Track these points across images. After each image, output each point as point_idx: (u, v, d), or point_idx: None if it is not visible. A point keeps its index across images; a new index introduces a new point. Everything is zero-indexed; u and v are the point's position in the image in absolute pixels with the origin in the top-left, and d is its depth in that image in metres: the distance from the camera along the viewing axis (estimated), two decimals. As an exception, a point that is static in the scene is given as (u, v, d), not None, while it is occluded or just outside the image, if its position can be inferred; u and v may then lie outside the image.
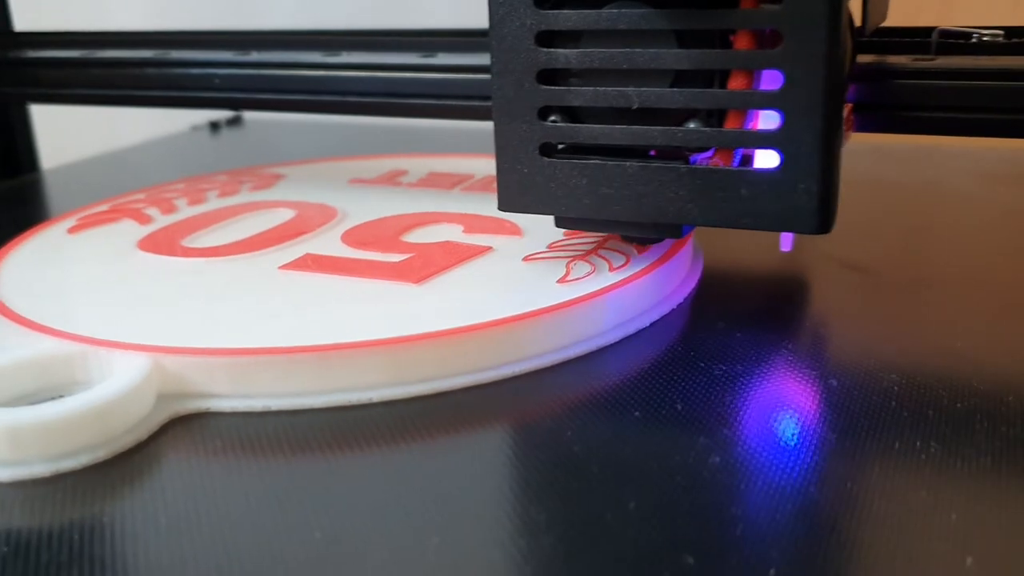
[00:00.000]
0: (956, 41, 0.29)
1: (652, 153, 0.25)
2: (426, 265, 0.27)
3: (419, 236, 0.30)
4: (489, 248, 0.28)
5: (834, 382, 0.22)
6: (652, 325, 0.25)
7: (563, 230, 0.29)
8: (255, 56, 0.37)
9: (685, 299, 0.27)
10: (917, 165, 0.43)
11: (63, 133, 0.57)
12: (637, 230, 0.26)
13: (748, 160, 0.24)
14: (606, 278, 0.25)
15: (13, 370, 0.22)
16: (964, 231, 0.34)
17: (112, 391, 0.20)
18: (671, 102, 0.24)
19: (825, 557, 0.16)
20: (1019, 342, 0.24)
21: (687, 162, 0.24)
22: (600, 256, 0.27)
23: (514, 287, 0.25)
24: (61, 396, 0.21)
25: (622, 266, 0.26)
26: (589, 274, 0.26)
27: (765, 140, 0.23)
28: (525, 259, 0.27)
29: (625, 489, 0.18)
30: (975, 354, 0.23)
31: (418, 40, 0.35)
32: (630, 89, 0.24)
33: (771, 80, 0.23)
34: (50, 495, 0.19)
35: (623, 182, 0.25)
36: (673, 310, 0.26)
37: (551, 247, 0.28)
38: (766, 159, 0.24)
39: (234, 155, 0.52)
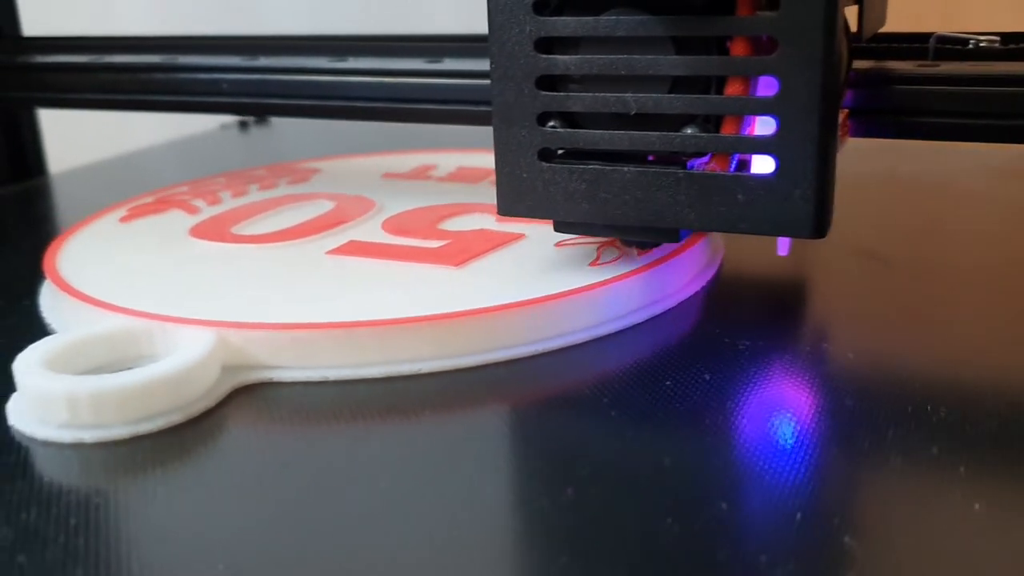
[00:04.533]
0: (953, 47, 0.30)
1: (650, 158, 0.25)
2: (464, 250, 0.29)
3: (455, 224, 0.32)
4: (522, 235, 0.30)
5: (851, 355, 0.23)
6: (679, 306, 0.27)
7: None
8: (263, 61, 0.38)
9: (709, 281, 0.28)
10: (930, 163, 0.44)
11: (72, 136, 0.58)
12: (635, 234, 0.26)
13: (745, 165, 0.25)
14: (635, 261, 0.27)
15: (88, 344, 0.24)
16: (977, 226, 0.35)
17: (183, 361, 0.22)
18: (668, 108, 0.24)
19: (844, 503, 0.18)
20: (1024, 322, 0.26)
21: (684, 167, 0.24)
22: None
23: (548, 269, 0.27)
24: (130, 368, 0.23)
25: (649, 251, 0.28)
26: (618, 258, 0.27)
27: (761, 146, 0.23)
28: (557, 245, 0.29)
29: (660, 448, 0.20)
30: (983, 336, 0.25)
31: (424, 45, 0.36)
32: (628, 95, 0.24)
33: (767, 86, 0.23)
34: (130, 455, 0.21)
35: (621, 187, 0.25)
36: (698, 291, 0.28)
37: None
38: (762, 164, 0.24)
39: (265, 152, 0.54)
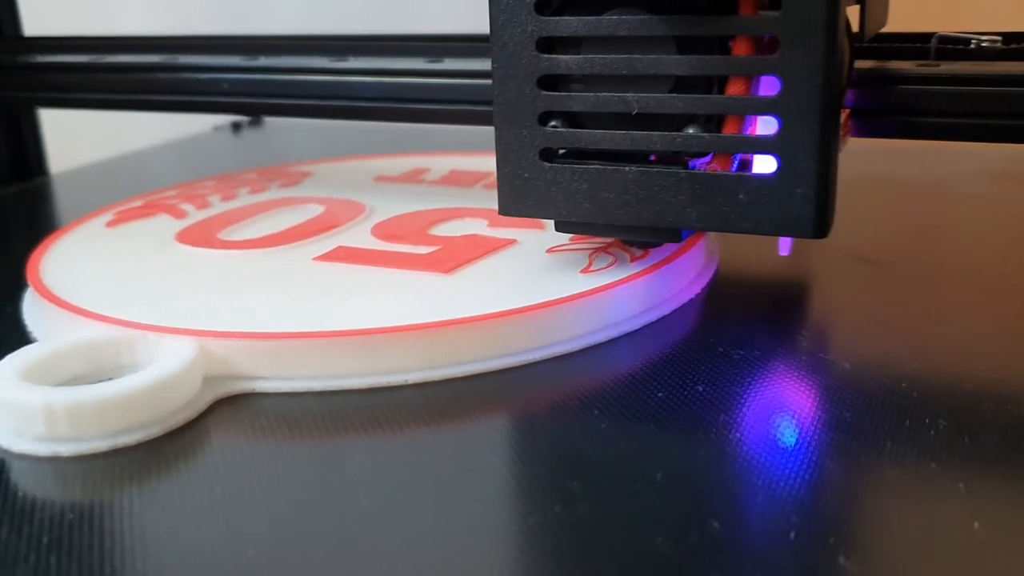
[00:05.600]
0: (955, 47, 0.30)
1: (652, 158, 0.25)
2: (454, 256, 0.28)
3: (445, 230, 0.31)
4: (514, 241, 0.30)
5: (848, 365, 0.23)
6: (672, 313, 0.26)
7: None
8: (263, 61, 0.38)
9: (704, 289, 0.28)
10: (927, 164, 0.44)
11: (74, 136, 0.58)
12: (637, 234, 0.26)
13: (747, 165, 0.25)
14: (627, 268, 0.27)
15: (67, 353, 0.23)
16: (972, 227, 0.35)
17: (163, 372, 0.22)
18: (670, 107, 0.24)
19: (840, 521, 0.17)
20: (1024, 329, 0.25)
21: (686, 167, 0.24)
22: (621, 248, 0.28)
23: (540, 277, 0.27)
24: (109, 379, 0.22)
25: (642, 257, 0.27)
26: (611, 265, 0.27)
27: (763, 146, 0.23)
28: (548, 251, 0.29)
29: (651, 461, 0.19)
30: (982, 342, 0.24)
31: (424, 45, 0.36)
32: (630, 95, 0.24)
33: (769, 86, 0.23)
34: (108, 468, 0.20)
35: (623, 187, 0.25)
36: (692, 299, 0.27)
37: (573, 240, 0.29)
38: (764, 164, 0.24)
39: (258, 154, 0.53)
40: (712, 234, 0.31)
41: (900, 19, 0.33)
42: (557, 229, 0.27)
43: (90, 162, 0.51)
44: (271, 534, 0.18)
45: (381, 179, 0.39)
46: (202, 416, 0.22)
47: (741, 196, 0.24)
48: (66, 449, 0.21)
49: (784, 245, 0.27)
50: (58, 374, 0.23)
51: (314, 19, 0.79)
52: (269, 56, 0.38)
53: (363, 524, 0.18)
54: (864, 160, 0.43)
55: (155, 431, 0.21)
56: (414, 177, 0.39)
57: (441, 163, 0.41)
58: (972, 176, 0.42)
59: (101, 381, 0.22)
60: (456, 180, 0.38)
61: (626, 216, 0.25)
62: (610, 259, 0.27)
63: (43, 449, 0.21)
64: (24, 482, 0.20)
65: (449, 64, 0.34)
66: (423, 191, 0.37)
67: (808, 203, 0.23)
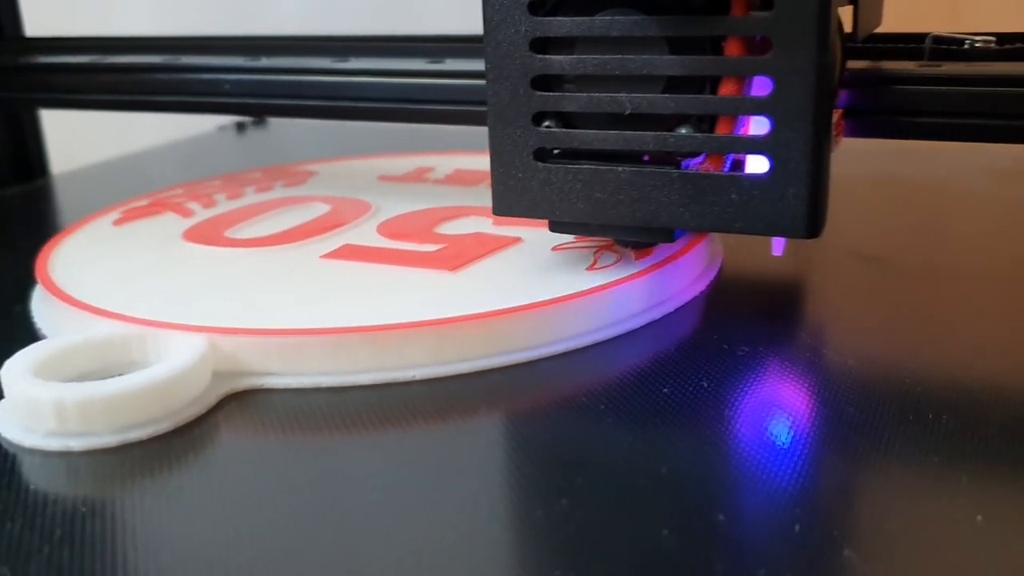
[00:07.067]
0: (949, 47, 0.30)
1: (646, 158, 0.25)
2: (460, 254, 0.28)
3: (451, 228, 0.31)
4: (519, 239, 0.30)
5: (851, 362, 0.23)
6: (676, 311, 0.27)
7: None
8: (264, 62, 0.38)
9: (708, 287, 0.28)
10: (929, 163, 0.44)
11: (75, 137, 0.58)
12: (630, 234, 0.26)
13: (739, 165, 0.25)
14: (632, 266, 0.27)
15: (77, 350, 0.23)
16: (976, 226, 0.35)
17: (173, 368, 0.22)
18: (662, 108, 0.24)
19: (844, 514, 0.17)
20: (1027, 326, 0.25)
21: (679, 167, 0.24)
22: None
23: (545, 274, 0.27)
24: (119, 375, 0.22)
25: (646, 255, 0.27)
26: (616, 262, 0.27)
27: (755, 146, 0.23)
28: (554, 249, 0.29)
29: (657, 456, 0.19)
30: (985, 338, 0.25)
31: (426, 46, 0.36)
32: (623, 95, 0.24)
33: (761, 86, 0.23)
34: (118, 464, 0.20)
35: (616, 187, 0.25)
36: (696, 297, 0.27)
37: (578, 238, 0.29)
38: (756, 164, 0.24)
39: (262, 154, 0.54)
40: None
41: (899, 19, 0.33)
42: (551, 229, 0.27)
43: (93, 163, 0.52)
44: (280, 528, 0.18)
45: (386, 178, 0.39)
46: (211, 411, 0.22)
47: (733, 196, 0.24)
48: (77, 444, 0.21)
49: (777, 245, 0.27)
50: (68, 370, 0.23)
51: (316, 20, 0.79)
52: (271, 57, 0.38)
53: (371, 519, 0.18)
54: (867, 159, 0.43)
55: (165, 426, 0.21)
56: (419, 176, 0.39)
57: (445, 162, 0.42)
58: (975, 174, 0.42)
59: (111, 377, 0.22)
60: (460, 179, 0.38)
61: (619, 216, 0.25)
62: (615, 257, 0.28)
63: (54, 444, 0.21)
64: (36, 477, 0.20)
65: (451, 65, 0.35)
66: (428, 190, 0.37)
67: (800, 203, 0.23)
